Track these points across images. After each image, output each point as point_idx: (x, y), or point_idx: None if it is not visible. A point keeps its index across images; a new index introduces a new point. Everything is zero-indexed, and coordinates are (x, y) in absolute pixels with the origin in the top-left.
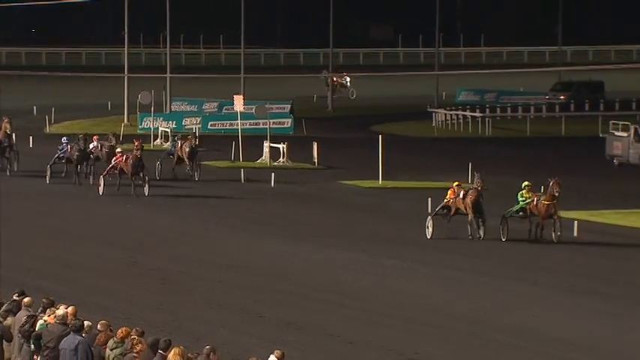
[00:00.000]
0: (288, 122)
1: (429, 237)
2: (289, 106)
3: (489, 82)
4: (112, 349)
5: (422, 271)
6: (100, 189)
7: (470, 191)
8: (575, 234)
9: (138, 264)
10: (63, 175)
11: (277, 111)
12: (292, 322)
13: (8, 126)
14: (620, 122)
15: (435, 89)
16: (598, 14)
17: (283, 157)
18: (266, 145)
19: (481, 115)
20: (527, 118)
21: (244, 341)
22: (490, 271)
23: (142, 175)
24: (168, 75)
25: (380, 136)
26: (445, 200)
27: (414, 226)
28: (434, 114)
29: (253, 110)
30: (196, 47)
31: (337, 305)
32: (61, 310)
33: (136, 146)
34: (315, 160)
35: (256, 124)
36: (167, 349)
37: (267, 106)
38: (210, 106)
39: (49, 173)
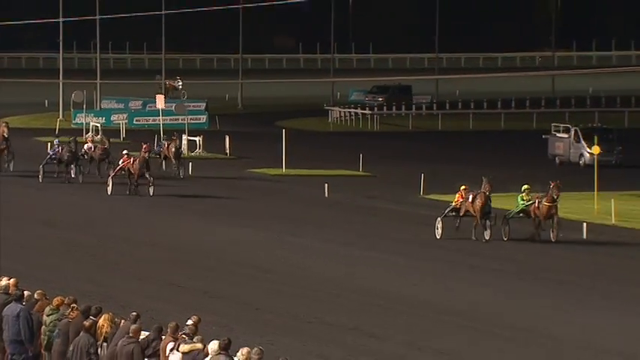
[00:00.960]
0: (203, 118)
1: (438, 237)
2: (204, 104)
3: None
4: (48, 315)
5: (321, 247)
6: (109, 189)
7: (478, 195)
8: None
9: (74, 242)
10: (55, 175)
11: (194, 108)
12: (208, 291)
13: (6, 129)
14: (562, 124)
15: (330, 90)
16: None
17: (199, 149)
18: (184, 137)
19: (370, 112)
20: (409, 115)
21: (166, 308)
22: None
23: (147, 176)
24: (98, 81)
25: (284, 130)
26: (454, 203)
27: (314, 208)
28: (330, 111)
29: (173, 108)
30: (123, 52)
31: (249, 277)
32: (3, 282)
33: (144, 149)
34: (227, 151)
35: (175, 119)
36: (97, 315)
37: (185, 104)
38: (135, 104)
39: (41, 173)
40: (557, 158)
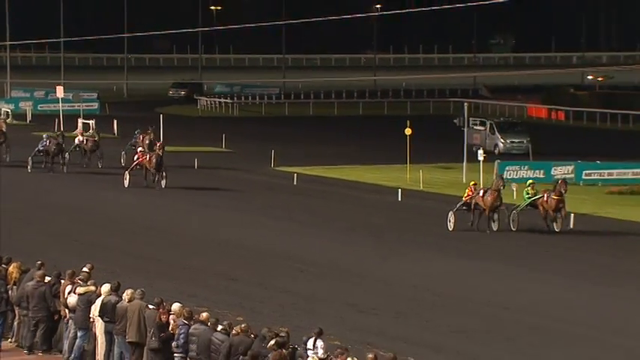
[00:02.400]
0: (95, 105)
1: (450, 229)
2: (96, 94)
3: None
4: None
5: (194, 209)
6: (126, 182)
7: (489, 191)
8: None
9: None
10: (43, 165)
11: (88, 97)
12: (101, 244)
13: (4, 124)
14: (479, 119)
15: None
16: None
17: (92, 130)
18: (80, 121)
19: (231, 101)
20: (262, 103)
21: (67, 259)
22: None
23: (162, 171)
24: (8, 80)
25: (161, 115)
26: (465, 198)
27: (187, 178)
28: (198, 100)
29: (71, 96)
30: (28, 51)
31: (135, 233)
32: None
33: (159, 146)
34: (115, 132)
35: (72, 106)
36: (8, 263)
37: (80, 93)
38: (39, 93)
39: (30, 164)
40: (474, 147)
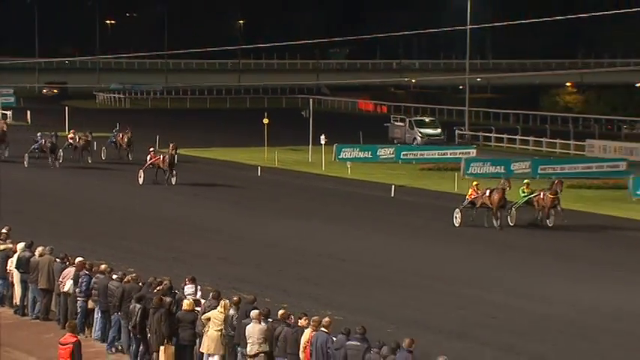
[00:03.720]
0: (12, 99)
1: (457, 225)
2: (12, 90)
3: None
4: None
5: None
6: (140, 180)
7: (495, 190)
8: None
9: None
10: (37, 159)
11: (6, 92)
12: (49, 220)
13: (5, 125)
14: (399, 116)
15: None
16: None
17: (10, 119)
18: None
19: (123, 96)
20: (148, 98)
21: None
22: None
23: (172, 170)
24: None
25: (66, 107)
26: (470, 197)
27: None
28: (96, 95)
29: None
30: None
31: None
32: None
33: (172, 147)
34: (29, 120)
35: None
36: None
37: None
38: None
39: (27, 159)
40: (395, 140)
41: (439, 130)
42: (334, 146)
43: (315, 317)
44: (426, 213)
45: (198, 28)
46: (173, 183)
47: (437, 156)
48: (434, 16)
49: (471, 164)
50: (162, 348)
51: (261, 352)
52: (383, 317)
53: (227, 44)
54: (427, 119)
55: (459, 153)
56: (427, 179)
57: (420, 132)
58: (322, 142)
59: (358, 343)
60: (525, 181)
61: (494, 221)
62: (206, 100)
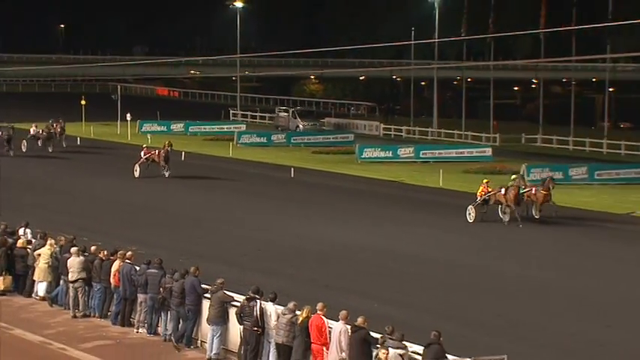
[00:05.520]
0: None
1: (471, 221)
2: None
3: None
4: None
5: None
6: (136, 173)
7: (510, 188)
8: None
9: None
10: None
11: None
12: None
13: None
14: (282, 107)
15: None
16: None
17: None
18: None
19: None
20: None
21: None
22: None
23: (167, 164)
24: None
25: None
26: (481, 194)
27: None
28: None
29: None
30: None
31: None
32: None
33: (167, 144)
34: None
35: None
36: None
37: None
38: None
39: None
40: (280, 128)
41: (317, 122)
42: (137, 122)
43: (121, 251)
44: (205, 170)
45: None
46: (167, 176)
47: (216, 130)
48: (213, 21)
49: (242, 136)
50: (0, 278)
51: (79, 279)
52: (174, 250)
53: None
54: (308, 110)
55: (233, 127)
56: (210, 147)
57: (302, 122)
58: (128, 118)
59: (156, 271)
60: (513, 175)
61: (503, 216)
62: (34, 85)
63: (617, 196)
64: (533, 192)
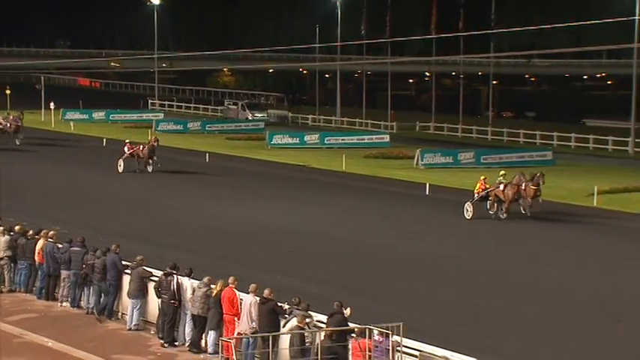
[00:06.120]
0: None
1: (468, 218)
2: None
3: None
4: None
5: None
6: (120, 168)
7: (509, 186)
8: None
9: None
10: None
11: None
12: None
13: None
14: (232, 100)
15: None
16: None
17: None
18: None
19: None
20: None
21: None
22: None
23: (152, 159)
24: None
25: None
26: (478, 191)
27: None
28: None
29: None
30: None
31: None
32: None
33: (153, 139)
34: None
35: None
36: None
37: None
38: None
39: None
40: (228, 119)
41: (264, 113)
42: (61, 110)
43: (44, 230)
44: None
45: None
46: (150, 170)
47: (136, 118)
48: (131, 17)
49: (160, 123)
50: None
51: (5, 256)
52: (95, 230)
53: None
54: (256, 103)
55: (152, 116)
56: (130, 134)
57: (251, 114)
58: (52, 107)
59: (79, 248)
60: (502, 172)
61: (501, 213)
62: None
63: None
64: (523, 187)
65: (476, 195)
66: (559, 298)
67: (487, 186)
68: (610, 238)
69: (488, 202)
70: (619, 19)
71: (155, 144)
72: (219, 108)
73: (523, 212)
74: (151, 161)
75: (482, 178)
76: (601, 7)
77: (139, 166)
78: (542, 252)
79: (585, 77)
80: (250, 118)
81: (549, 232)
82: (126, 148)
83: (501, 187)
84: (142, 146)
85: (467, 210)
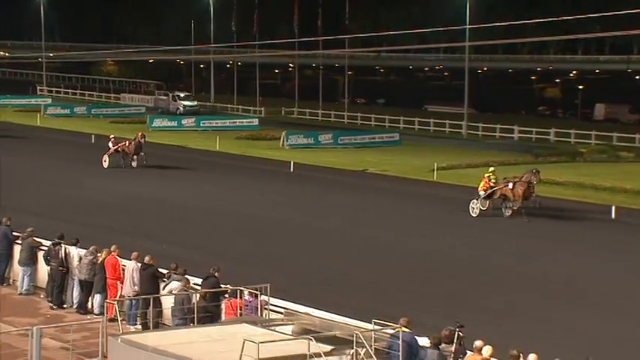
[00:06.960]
0: None
1: (475, 216)
2: None
3: None
4: None
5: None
6: (105, 164)
7: (518, 183)
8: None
9: None
10: None
11: None
12: None
13: None
14: (162, 91)
15: None
16: None
17: None
18: None
19: None
20: None
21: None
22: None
23: (138, 155)
24: None
25: None
26: (482, 188)
27: None
28: None
29: None
30: None
31: None
32: None
33: (140, 135)
34: None
35: None
36: None
37: None
38: None
39: None
40: (160, 110)
41: (195, 102)
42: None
43: None
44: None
45: None
46: (134, 166)
47: (25, 103)
48: (21, 9)
49: (48, 108)
50: None
51: None
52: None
53: None
54: (183, 94)
55: (40, 101)
56: (20, 117)
57: (183, 104)
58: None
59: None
60: (491, 168)
61: (505, 210)
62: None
63: (354, 157)
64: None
65: (481, 193)
66: (384, 257)
67: (492, 184)
68: (444, 207)
69: (493, 199)
70: (453, 27)
71: (142, 140)
72: (148, 98)
73: (536, 207)
74: (136, 157)
75: (486, 175)
76: (442, 8)
77: (125, 162)
78: (383, 219)
79: (426, 69)
80: (181, 109)
81: (392, 203)
82: (110, 144)
83: (510, 185)
84: (127, 142)
85: (472, 208)
